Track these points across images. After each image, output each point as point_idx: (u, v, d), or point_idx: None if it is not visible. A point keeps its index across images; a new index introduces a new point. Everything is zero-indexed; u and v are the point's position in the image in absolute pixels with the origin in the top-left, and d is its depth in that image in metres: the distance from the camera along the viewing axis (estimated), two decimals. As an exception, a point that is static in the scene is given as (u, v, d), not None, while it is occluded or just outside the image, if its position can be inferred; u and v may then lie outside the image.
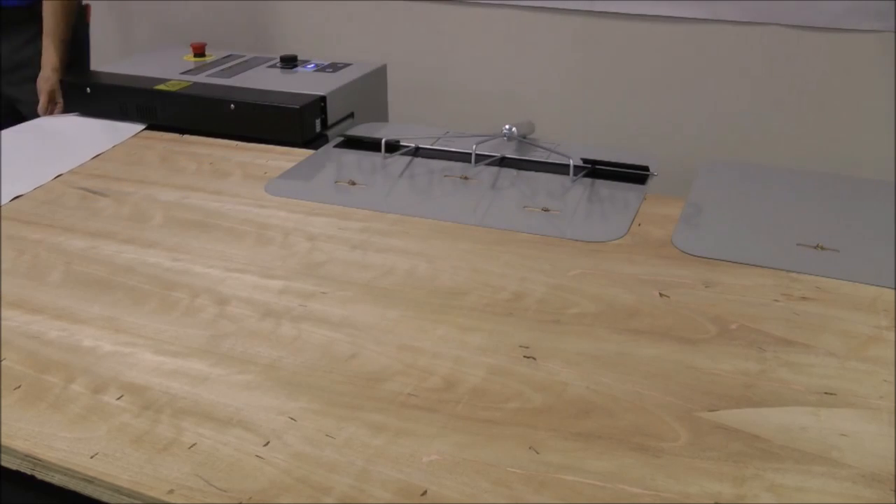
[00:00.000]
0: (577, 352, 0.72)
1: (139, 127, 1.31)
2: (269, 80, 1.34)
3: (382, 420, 0.63)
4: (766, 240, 0.91)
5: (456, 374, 0.69)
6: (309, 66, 1.42)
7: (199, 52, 1.49)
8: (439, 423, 0.63)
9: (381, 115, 1.44)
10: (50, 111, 1.39)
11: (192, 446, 0.61)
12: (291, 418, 0.63)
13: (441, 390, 0.67)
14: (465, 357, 0.71)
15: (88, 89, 1.34)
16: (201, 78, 1.35)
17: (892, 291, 0.80)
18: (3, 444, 0.61)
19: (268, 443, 0.61)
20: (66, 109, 1.38)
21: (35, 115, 1.40)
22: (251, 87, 1.30)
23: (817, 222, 0.94)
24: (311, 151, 1.20)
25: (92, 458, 0.60)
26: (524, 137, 1.13)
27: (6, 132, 1.29)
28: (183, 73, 1.38)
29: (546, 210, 0.99)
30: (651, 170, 1.08)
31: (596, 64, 1.66)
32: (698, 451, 0.60)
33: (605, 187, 1.06)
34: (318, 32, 2.20)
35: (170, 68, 1.40)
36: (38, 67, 1.41)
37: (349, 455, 0.60)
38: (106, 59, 1.51)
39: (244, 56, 1.49)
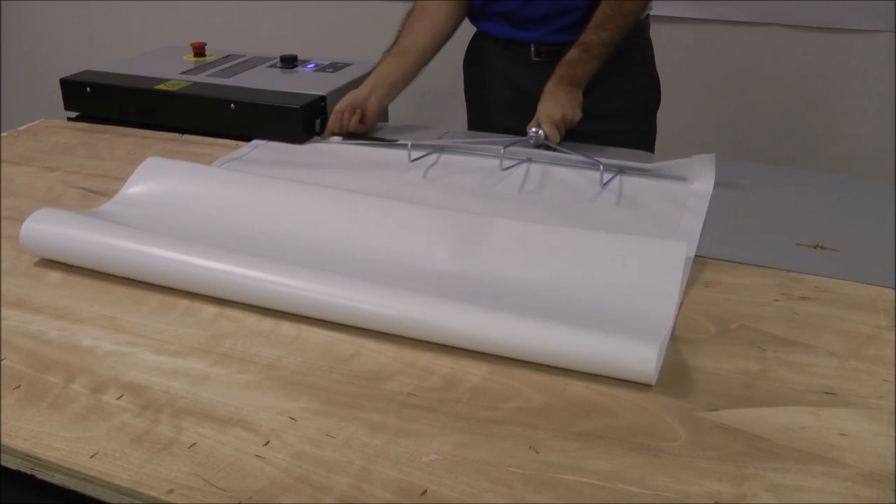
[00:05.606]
0: (577, 351, 0.71)
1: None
2: (269, 80, 1.34)
3: (382, 420, 0.63)
4: (766, 239, 0.91)
5: (456, 374, 0.69)
6: (309, 66, 1.42)
7: (199, 52, 1.48)
8: (439, 423, 0.63)
9: (381, 115, 1.44)
10: None
11: (191, 446, 0.61)
12: (291, 418, 0.63)
13: (441, 390, 0.67)
14: (465, 356, 0.71)
15: (88, 89, 1.34)
16: (201, 78, 1.35)
17: (892, 291, 0.80)
18: (3, 443, 0.61)
19: (268, 442, 0.61)
20: (66, 109, 1.37)
21: None
22: (251, 86, 1.30)
23: (817, 222, 0.94)
24: (311, 151, 1.20)
25: (92, 457, 0.60)
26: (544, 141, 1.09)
27: None
28: (183, 73, 1.38)
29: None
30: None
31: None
32: (698, 450, 0.60)
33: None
34: (317, 32, 2.20)
35: (170, 68, 1.40)
36: None
37: (349, 455, 0.60)
38: (106, 59, 1.51)
39: (244, 56, 1.49)
